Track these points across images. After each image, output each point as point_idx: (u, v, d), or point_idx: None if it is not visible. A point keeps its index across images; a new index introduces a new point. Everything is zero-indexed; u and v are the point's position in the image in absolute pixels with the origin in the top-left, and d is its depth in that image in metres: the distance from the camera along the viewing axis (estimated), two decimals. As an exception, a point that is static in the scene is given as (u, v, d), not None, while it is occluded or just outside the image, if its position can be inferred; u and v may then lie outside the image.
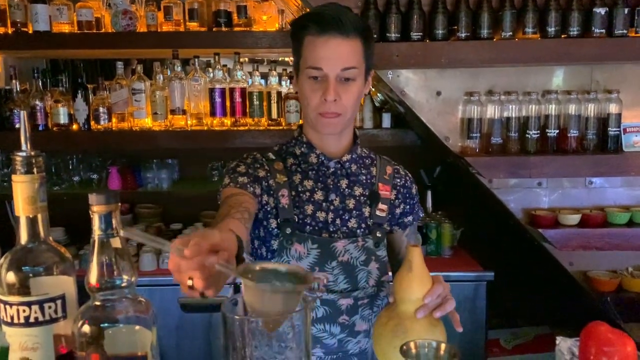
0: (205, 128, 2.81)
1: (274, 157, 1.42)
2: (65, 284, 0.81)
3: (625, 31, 2.24)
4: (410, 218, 1.49)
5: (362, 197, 1.41)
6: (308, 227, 1.36)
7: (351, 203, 1.39)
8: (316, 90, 1.30)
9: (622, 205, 2.43)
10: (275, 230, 1.36)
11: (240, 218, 1.15)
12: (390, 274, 1.45)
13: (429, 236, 2.74)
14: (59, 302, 0.79)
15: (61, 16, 2.68)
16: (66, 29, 2.71)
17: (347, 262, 1.35)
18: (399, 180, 1.48)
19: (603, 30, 2.23)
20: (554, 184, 2.41)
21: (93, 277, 0.76)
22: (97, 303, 0.77)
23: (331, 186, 1.40)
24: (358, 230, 1.38)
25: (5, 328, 0.79)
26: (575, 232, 2.33)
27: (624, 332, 0.82)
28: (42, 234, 0.81)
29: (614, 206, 2.42)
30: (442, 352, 0.94)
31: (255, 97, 2.81)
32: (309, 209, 1.37)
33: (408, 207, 1.48)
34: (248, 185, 1.29)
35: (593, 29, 2.22)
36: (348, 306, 1.35)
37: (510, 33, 2.25)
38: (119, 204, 0.77)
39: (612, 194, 2.44)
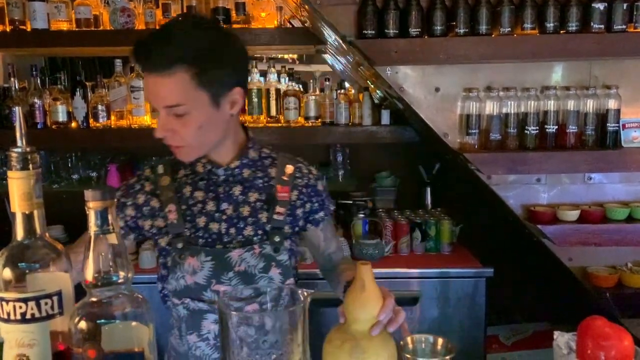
0: (204, 125, 2.81)
1: (162, 172, 1.38)
2: (61, 280, 0.81)
3: (624, 26, 2.23)
4: (321, 214, 1.45)
5: (258, 203, 1.37)
6: (201, 240, 1.33)
7: (245, 210, 1.35)
8: (158, 120, 1.25)
9: (621, 201, 2.42)
10: (167, 247, 1.34)
11: None
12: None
13: (428, 233, 2.74)
14: (55, 298, 0.79)
15: (59, 14, 2.68)
16: (64, 26, 2.71)
17: (244, 271, 1.31)
18: (300, 180, 1.42)
19: (602, 26, 2.22)
20: (552, 180, 2.41)
21: (89, 274, 0.76)
22: (94, 299, 0.77)
23: (222, 195, 1.35)
24: (255, 238, 1.34)
25: (1, 324, 0.79)
26: (574, 228, 2.33)
27: (621, 326, 0.82)
28: (38, 230, 0.80)
29: (613, 202, 2.42)
30: (439, 346, 0.94)
31: (254, 94, 2.81)
32: (201, 221, 1.33)
33: (317, 204, 1.44)
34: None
35: (592, 24, 2.22)
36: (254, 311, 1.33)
37: (509, 29, 2.24)
38: (115, 200, 0.76)
39: (611, 189, 2.43)
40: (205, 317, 1.32)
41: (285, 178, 1.40)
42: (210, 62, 1.21)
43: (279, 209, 1.36)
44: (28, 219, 0.80)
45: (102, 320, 0.76)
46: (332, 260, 1.56)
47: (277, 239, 1.34)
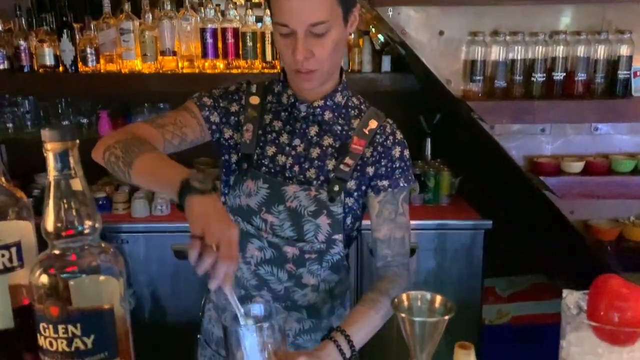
0: (197, 71, 2.71)
1: (254, 91, 1.37)
2: (22, 230, 0.74)
3: (641, -33, 2.10)
4: (385, 183, 1.32)
5: (330, 148, 1.32)
6: (264, 168, 1.32)
7: (315, 152, 1.32)
8: (287, 46, 1.20)
9: (627, 152, 2.34)
10: (234, 165, 1.35)
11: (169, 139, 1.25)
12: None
13: (427, 184, 2.69)
14: (13, 249, 0.72)
15: (43, -51, 2.54)
16: (48, -37, 2.57)
17: (294, 209, 1.29)
18: (379, 137, 1.33)
19: (618, -34, 2.09)
20: (557, 130, 2.32)
21: (49, 223, 0.69)
22: (56, 252, 0.70)
23: (297, 131, 1.33)
24: (315, 181, 1.31)
25: (-44, 278, 0.73)
26: (578, 180, 2.26)
27: (638, 286, 0.75)
28: (-6, 175, 0.73)
29: (619, 153, 2.34)
30: (437, 305, 0.88)
31: (248, 37, 2.70)
32: (271, 150, 1.33)
33: (384, 169, 1.32)
34: (206, 109, 1.31)
35: (607, -36, 2.09)
36: (294, 255, 1.30)
37: (518, -32, 2.11)
38: (77, 140, 0.68)
39: (617, 140, 2.35)
40: (251, 242, 1.33)
41: (365, 131, 1.33)
42: None
43: (348, 160, 1.31)
44: (-18, 162, 0.72)
45: (66, 274, 0.69)
46: (377, 251, 1.36)
47: (336, 188, 1.30)
